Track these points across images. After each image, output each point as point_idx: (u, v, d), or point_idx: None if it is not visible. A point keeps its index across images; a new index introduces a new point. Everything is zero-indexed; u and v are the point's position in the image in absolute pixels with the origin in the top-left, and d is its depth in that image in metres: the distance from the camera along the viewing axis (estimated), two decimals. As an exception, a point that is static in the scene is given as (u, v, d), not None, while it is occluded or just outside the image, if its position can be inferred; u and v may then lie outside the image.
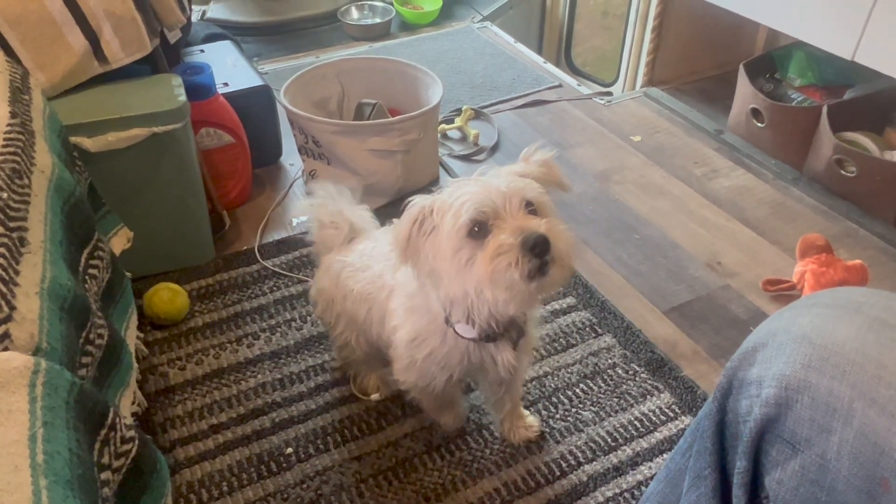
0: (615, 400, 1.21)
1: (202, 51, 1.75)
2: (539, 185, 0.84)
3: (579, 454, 1.13)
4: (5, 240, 0.72)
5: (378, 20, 2.49)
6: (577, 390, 1.23)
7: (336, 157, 1.56)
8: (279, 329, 1.34)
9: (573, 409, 1.20)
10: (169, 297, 1.32)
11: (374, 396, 1.20)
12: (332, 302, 1.12)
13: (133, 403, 1.02)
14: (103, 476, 0.65)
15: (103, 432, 0.68)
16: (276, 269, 1.47)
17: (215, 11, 2.42)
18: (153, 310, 1.31)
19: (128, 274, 1.15)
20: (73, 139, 1.14)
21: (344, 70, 1.72)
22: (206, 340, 1.31)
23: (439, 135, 1.86)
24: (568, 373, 1.26)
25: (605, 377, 1.25)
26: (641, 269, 1.50)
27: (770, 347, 0.53)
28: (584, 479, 1.09)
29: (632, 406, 1.20)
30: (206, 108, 1.46)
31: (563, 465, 1.11)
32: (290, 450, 1.13)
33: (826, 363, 0.49)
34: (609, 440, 1.15)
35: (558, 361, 1.28)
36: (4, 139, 0.83)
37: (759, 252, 1.55)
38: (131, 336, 1.08)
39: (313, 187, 1.21)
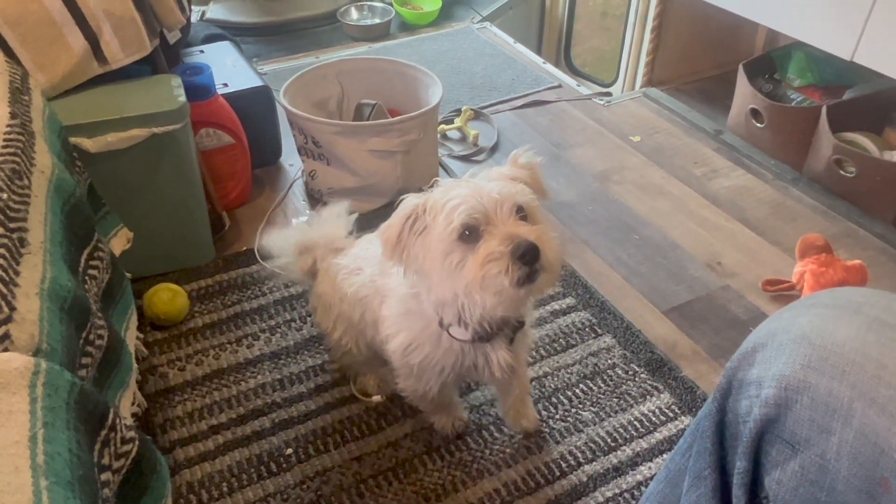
0: (615, 400, 1.21)
1: (202, 51, 1.75)
2: (530, 191, 0.85)
3: (579, 454, 1.13)
4: (5, 240, 0.72)
5: (377, 20, 2.49)
6: (577, 391, 1.23)
7: (336, 157, 1.56)
8: (279, 330, 1.34)
9: (573, 410, 1.20)
10: (169, 297, 1.32)
11: (375, 397, 1.20)
12: (330, 306, 1.12)
13: (133, 404, 1.02)
14: (103, 477, 0.65)
15: (103, 433, 0.68)
16: (276, 270, 1.46)
17: (215, 12, 2.42)
18: (153, 310, 1.31)
19: (128, 274, 1.15)
20: (72, 140, 1.14)
21: (343, 70, 1.72)
22: (205, 341, 1.31)
23: (439, 135, 1.86)
24: (568, 373, 1.26)
25: (605, 377, 1.25)
26: (641, 269, 1.50)
27: (770, 348, 0.53)
28: (584, 479, 1.09)
29: (631, 406, 1.20)
30: (205, 109, 1.46)
31: (563, 465, 1.11)
32: (290, 450, 1.13)
33: (825, 363, 0.49)
34: (609, 440, 1.15)
35: (558, 362, 1.28)
36: (4, 140, 0.83)
37: (758, 252, 1.55)
38: (131, 337, 1.08)
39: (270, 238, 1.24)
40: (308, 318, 1.35)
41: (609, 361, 1.28)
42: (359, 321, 1.07)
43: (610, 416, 1.19)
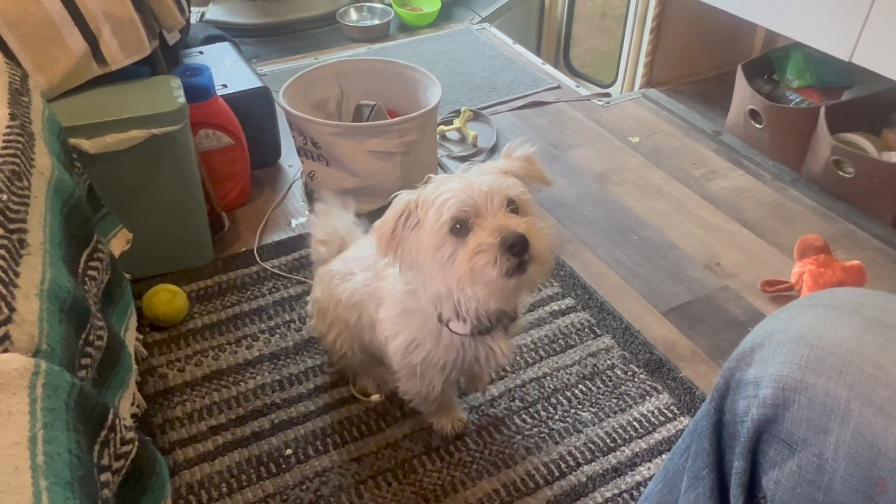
0: (614, 401, 1.21)
1: (201, 52, 1.75)
2: (521, 184, 0.86)
3: (578, 455, 1.13)
4: (5, 241, 0.72)
5: (377, 22, 2.49)
6: (576, 391, 1.23)
7: (335, 158, 1.56)
8: (278, 330, 1.34)
9: (572, 410, 1.20)
10: (168, 298, 1.32)
11: (375, 397, 1.20)
12: (325, 311, 1.13)
13: (132, 405, 1.02)
14: (103, 477, 0.65)
15: (103, 434, 0.68)
16: (275, 271, 1.47)
17: (214, 13, 2.42)
18: (152, 311, 1.31)
19: (127, 275, 1.15)
20: (72, 141, 1.14)
21: (343, 71, 1.72)
22: (205, 342, 1.31)
23: (438, 136, 1.86)
24: (567, 374, 1.26)
25: (604, 378, 1.25)
26: (640, 270, 1.51)
27: (767, 348, 0.53)
28: (584, 479, 1.09)
29: (630, 407, 1.20)
30: (205, 110, 1.46)
31: (563, 465, 1.11)
32: (289, 451, 1.13)
33: (823, 364, 0.49)
34: (608, 441, 1.15)
35: (557, 362, 1.28)
36: (4, 141, 0.83)
37: (757, 253, 1.55)
38: (131, 337, 1.08)
39: (318, 206, 1.23)
40: (307, 319, 1.35)
41: (608, 362, 1.28)
42: (355, 325, 1.07)
43: (609, 416, 1.19)
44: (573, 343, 1.32)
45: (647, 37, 2.17)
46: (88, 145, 1.21)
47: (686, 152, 1.89)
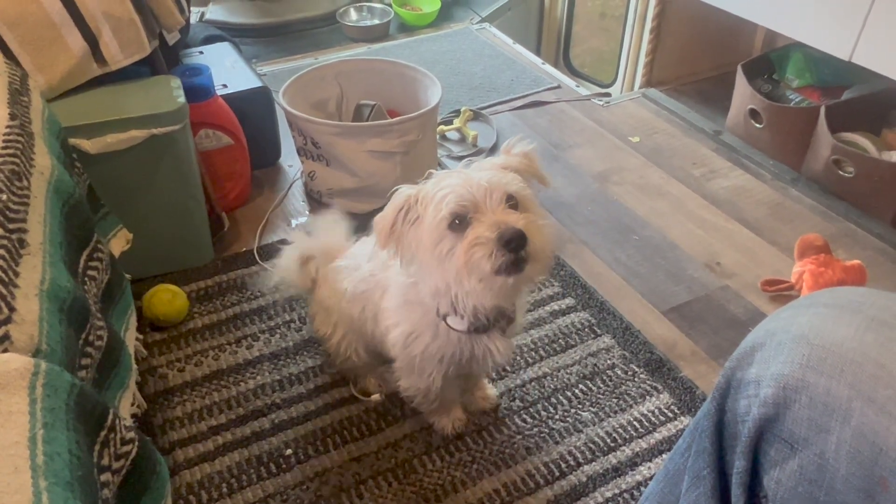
0: (614, 400, 1.21)
1: (201, 52, 1.75)
2: (521, 180, 0.85)
3: (578, 455, 1.13)
4: (5, 241, 0.72)
5: (377, 21, 2.49)
6: (577, 391, 1.23)
7: (335, 158, 1.56)
8: (278, 330, 1.34)
9: (572, 410, 1.20)
10: (168, 298, 1.32)
11: (375, 397, 1.20)
12: (330, 309, 1.13)
13: (132, 405, 1.02)
14: (103, 477, 0.65)
15: (103, 434, 0.68)
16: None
17: (214, 13, 2.42)
18: (152, 311, 1.31)
19: (127, 275, 1.15)
20: (72, 141, 1.14)
21: (343, 71, 1.72)
22: (205, 342, 1.31)
23: (438, 136, 1.86)
24: (567, 373, 1.26)
25: (605, 378, 1.25)
26: (640, 269, 1.51)
27: (768, 347, 0.53)
28: (584, 479, 1.09)
29: (631, 407, 1.20)
30: (204, 110, 1.46)
31: (563, 465, 1.11)
32: (289, 451, 1.13)
33: (824, 363, 0.49)
34: (608, 441, 1.15)
35: (557, 362, 1.28)
36: (4, 141, 0.83)
37: (757, 252, 1.55)
38: (130, 337, 1.08)
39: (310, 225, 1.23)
40: (307, 319, 1.35)
41: (608, 362, 1.28)
42: (359, 317, 1.07)
43: (609, 416, 1.19)
44: (573, 343, 1.32)
45: (647, 36, 2.17)
46: (88, 145, 1.21)
47: (686, 152, 1.89)
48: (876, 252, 1.55)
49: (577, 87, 2.19)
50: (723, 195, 1.73)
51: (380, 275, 1.02)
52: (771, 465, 0.52)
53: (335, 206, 1.23)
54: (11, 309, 0.67)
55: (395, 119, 1.54)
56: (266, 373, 1.25)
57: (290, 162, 1.79)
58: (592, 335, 1.34)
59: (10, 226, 0.74)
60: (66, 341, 0.72)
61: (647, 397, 1.22)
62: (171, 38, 1.49)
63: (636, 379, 1.25)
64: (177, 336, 1.32)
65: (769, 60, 1.99)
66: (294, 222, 1.62)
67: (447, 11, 2.61)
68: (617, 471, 1.10)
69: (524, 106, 2.07)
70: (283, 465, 1.11)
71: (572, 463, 1.12)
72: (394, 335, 0.99)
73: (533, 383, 1.24)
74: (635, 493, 1.07)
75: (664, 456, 1.13)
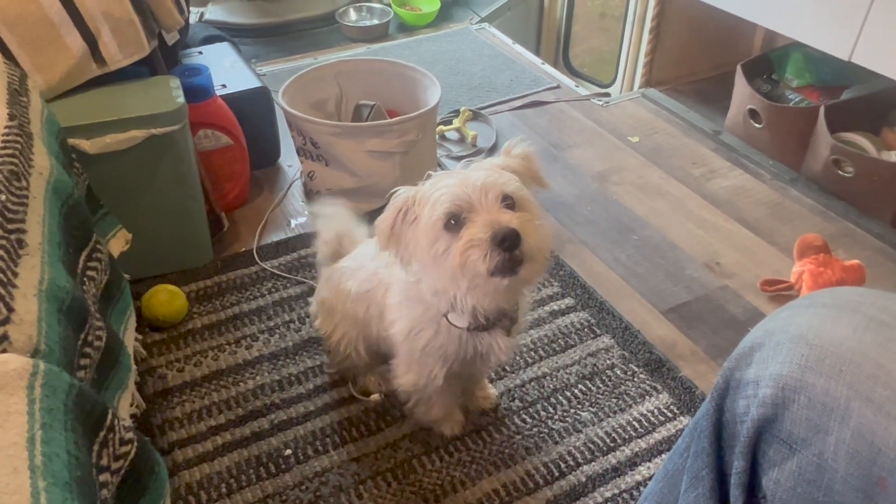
0: (614, 400, 1.21)
1: (200, 52, 1.75)
2: (518, 180, 0.85)
3: (578, 455, 1.13)
4: (3, 242, 0.72)
5: (376, 22, 2.49)
6: (576, 391, 1.23)
7: (334, 158, 1.56)
8: (278, 331, 1.34)
9: (572, 410, 1.20)
10: (167, 298, 1.32)
11: (375, 397, 1.20)
12: (333, 310, 1.13)
13: (131, 405, 1.02)
14: (102, 478, 0.65)
15: (102, 434, 0.68)
16: (275, 271, 1.47)
17: (213, 13, 2.42)
18: (152, 311, 1.31)
19: (126, 276, 1.15)
20: (71, 141, 1.14)
21: (342, 71, 1.72)
22: (204, 342, 1.31)
23: (437, 136, 1.86)
24: (566, 373, 1.26)
25: (604, 378, 1.25)
26: (640, 269, 1.51)
27: (767, 347, 0.53)
28: (583, 479, 1.09)
29: (630, 407, 1.20)
30: (204, 110, 1.46)
31: (562, 465, 1.11)
32: (288, 451, 1.13)
33: (823, 363, 0.49)
34: (608, 441, 1.15)
35: (557, 362, 1.28)
36: (2, 141, 0.83)
37: (757, 252, 1.55)
38: (130, 338, 1.08)
39: (320, 208, 1.24)
40: (307, 320, 1.35)
41: (608, 362, 1.28)
42: (364, 316, 1.08)
43: (609, 416, 1.19)
44: (573, 343, 1.32)
45: (646, 36, 2.17)
46: (87, 145, 1.21)
47: (685, 152, 1.89)
48: (875, 252, 1.55)
49: (577, 87, 2.19)
50: (722, 195, 1.73)
51: (383, 272, 1.02)
52: (770, 465, 0.52)
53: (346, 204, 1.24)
54: (10, 309, 0.67)
55: (394, 119, 1.54)
56: (265, 373, 1.25)
57: (290, 162, 1.79)
58: (592, 335, 1.34)
59: (9, 226, 0.74)
60: (64, 342, 0.72)
61: (647, 397, 1.22)
62: (171, 39, 1.49)
63: (635, 379, 1.25)
64: (176, 336, 1.32)
65: (768, 60, 1.99)
66: (293, 222, 1.62)
67: (446, 11, 2.61)
68: (616, 471, 1.10)
69: (523, 106, 2.07)
70: (283, 466, 1.11)
71: (572, 463, 1.12)
72: (396, 330, 0.99)
73: (532, 383, 1.24)
74: (634, 493, 1.07)
75: (663, 456, 1.13)
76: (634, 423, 1.18)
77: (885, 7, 1.40)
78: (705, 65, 2.30)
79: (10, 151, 0.82)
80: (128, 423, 0.78)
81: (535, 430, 1.17)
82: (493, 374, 1.25)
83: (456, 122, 1.95)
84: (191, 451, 1.12)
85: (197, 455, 1.12)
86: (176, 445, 1.13)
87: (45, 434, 0.57)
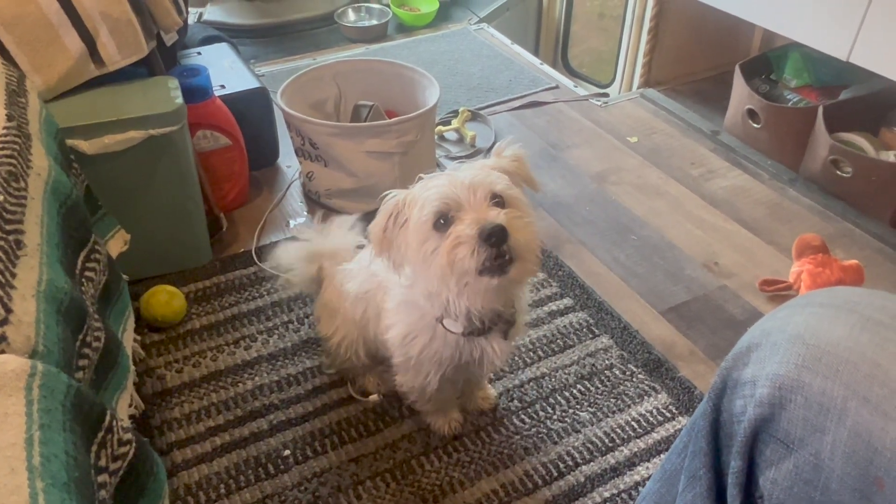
0: (612, 401, 1.21)
1: (199, 53, 1.75)
2: (508, 179, 0.85)
3: (577, 455, 1.13)
4: (2, 243, 0.72)
5: (375, 22, 2.49)
6: (575, 391, 1.23)
7: (333, 158, 1.56)
8: (277, 331, 1.34)
9: (570, 410, 1.20)
10: (166, 299, 1.32)
11: (374, 397, 1.20)
12: (335, 313, 1.13)
13: (130, 406, 1.02)
14: (100, 479, 0.65)
15: (100, 435, 0.68)
16: (274, 272, 1.46)
17: (212, 14, 2.42)
18: (150, 312, 1.31)
19: (125, 276, 1.14)
20: (69, 142, 1.14)
21: (341, 72, 1.72)
22: (203, 343, 1.31)
23: (436, 136, 1.86)
24: (565, 374, 1.26)
25: (603, 378, 1.25)
26: (638, 269, 1.51)
27: (764, 347, 0.53)
28: (582, 479, 1.09)
29: (629, 407, 1.20)
30: (202, 111, 1.46)
31: (561, 465, 1.11)
32: (287, 452, 1.13)
33: (819, 363, 0.49)
34: (606, 441, 1.15)
35: (556, 362, 1.28)
36: (1, 142, 0.83)
37: (755, 252, 1.55)
38: (128, 338, 1.08)
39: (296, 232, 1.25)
40: (306, 320, 1.36)
41: (606, 362, 1.28)
42: (362, 318, 1.08)
43: (607, 416, 1.19)
44: (571, 343, 1.32)
45: (645, 37, 2.17)
46: (86, 146, 1.21)
47: (684, 152, 1.89)
48: (874, 252, 1.55)
49: (576, 87, 2.19)
50: (721, 195, 1.73)
51: (382, 275, 1.02)
52: (767, 465, 0.52)
53: (344, 210, 1.24)
54: (8, 310, 0.67)
55: (393, 119, 1.54)
56: (264, 373, 1.25)
57: (289, 162, 1.79)
58: (591, 335, 1.34)
59: (7, 227, 0.74)
60: (63, 342, 0.72)
61: (646, 397, 1.22)
62: (169, 39, 1.49)
63: (634, 379, 1.25)
64: (175, 337, 1.32)
65: (767, 60, 1.99)
66: (292, 223, 1.62)
67: (445, 12, 2.61)
68: (615, 471, 1.10)
69: (522, 106, 2.08)
70: (282, 466, 1.11)
71: (570, 463, 1.12)
72: (392, 335, 0.99)
73: (531, 383, 1.24)
74: (633, 493, 1.08)
75: (662, 456, 1.13)
76: (633, 423, 1.18)
77: (883, 7, 1.40)
78: (704, 65, 2.31)
79: (8, 152, 0.82)
80: (126, 423, 0.78)
81: (533, 430, 1.17)
82: (492, 375, 1.25)
83: (455, 123, 1.95)
84: (189, 452, 1.12)
85: (196, 456, 1.12)
86: (174, 446, 1.13)
87: (44, 435, 0.57)
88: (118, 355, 0.93)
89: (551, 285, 1.45)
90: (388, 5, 2.56)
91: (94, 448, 0.66)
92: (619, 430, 1.17)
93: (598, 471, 1.10)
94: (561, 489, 1.08)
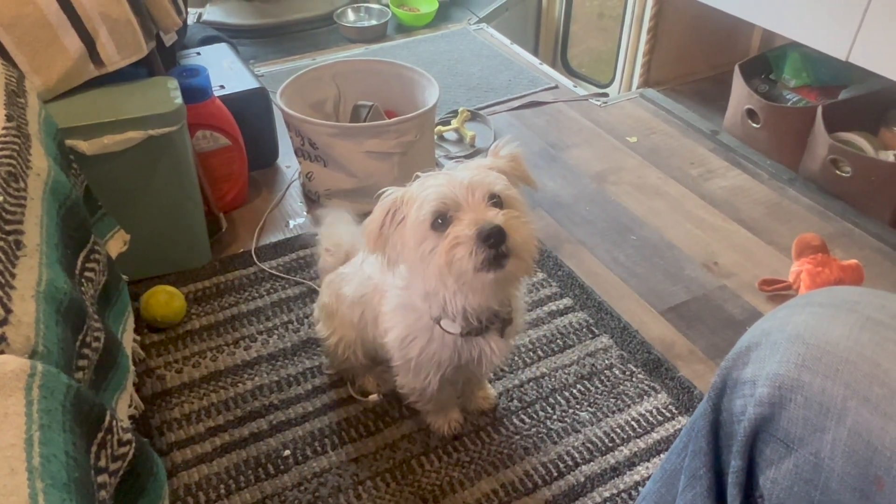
0: (612, 400, 1.21)
1: (198, 53, 1.75)
2: (506, 179, 0.85)
3: (577, 455, 1.13)
4: (1, 243, 0.72)
5: (374, 22, 2.49)
6: (575, 391, 1.23)
7: (333, 159, 1.56)
8: (276, 331, 1.34)
9: (570, 410, 1.20)
10: (166, 299, 1.32)
11: (373, 397, 1.20)
12: (333, 314, 1.13)
13: (130, 406, 1.02)
14: (100, 479, 0.65)
15: (100, 435, 0.68)
16: (273, 272, 1.47)
17: (211, 14, 2.42)
18: (150, 313, 1.31)
19: (124, 277, 1.14)
20: (68, 142, 1.14)
21: (340, 72, 1.72)
22: (202, 343, 1.31)
23: (436, 136, 1.86)
24: (565, 374, 1.26)
25: (602, 378, 1.25)
26: (638, 269, 1.51)
27: (764, 347, 0.53)
28: (582, 479, 1.09)
29: (629, 406, 1.20)
30: (202, 111, 1.46)
31: (561, 465, 1.11)
32: (287, 452, 1.13)
33: (819, 362, 0.49)
34: (606, 441, 1.15)
35: (555, 362, 1.28)
36: (0, 142, 0.83)
37: (755, 252, 1.55)
38: (128, 339, 1.07)
39: (323, 215, 1.26)
40: (305, 320, 1.36)
41: (606, 362, 1.29)
42: (359, 321, 1.08)
43: (607, 416, 1.19)
44: (571, 343, 1.32)
45: (644, 37, 2.17)
46: (85, 146, 1.21)
47: (684, 152, 1.89)
48: (873, 251, 1.55)
49: (575, 87, 2.19)
50: (720, 195, 1.73)
51: (378, 278, 1.02)
52: (767, 464, 0.52)
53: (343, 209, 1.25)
54: (8, 311, 0.67)
55: (392, 120, 1.54)
56: (264, 374, 1.25)
57: (288, 163, 1.79)
58: (590, 335, 1.34)
59: (7, 227, 0.74)
60: (62, 343, 0.72)
61: (645, 397, 1.22)
62: (169, 39, 1.49)
63: (634, 379, 1.25)
64: (174, 337, 1.32)
65: (766, 60, 1.99)
66: (292, 223, 1.62)
67: (445, 12, 2.61)
68: (615, 471, 1.10)
69: (522, 106, 2.08)
70: (282, 466, 1.11)
71: (570, 463, 1.12)
72: (390, 338, 0.99)
73: (531, 383, 1.24)
74: (633, 493, 1.08)
75: (662, 456, 1.13)
76: (633, 423, 1.18)
77: (883, 7, 1.40)
78: (703, 65, 2.31)
79: (7, 153, 0.82)
80: (126, 424, 0.78)
81: (533, 430, 1.17)
82: (491, 375, 1.25)
83: (454, 123, 1.95)
84: (189, 452, 1.12)
85: (195, 456, 1.12)
86: (174, 446, 1.13)
87: (43, 435, 0.57)
88: (118, 356, 0.93)
89: (551, 285, 1.45)
90: (387, 5, 2.56)
91: (94, 448, 0.66)
92: (618, 430, 1.17)
93: (598, 471, 1.10)
94: (561, 489, 1.08)
